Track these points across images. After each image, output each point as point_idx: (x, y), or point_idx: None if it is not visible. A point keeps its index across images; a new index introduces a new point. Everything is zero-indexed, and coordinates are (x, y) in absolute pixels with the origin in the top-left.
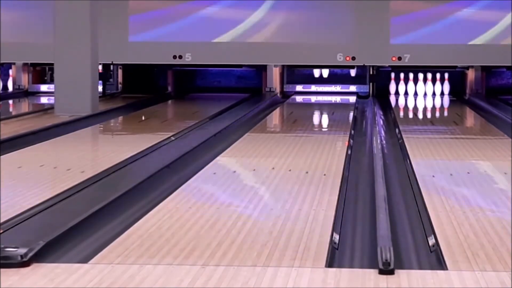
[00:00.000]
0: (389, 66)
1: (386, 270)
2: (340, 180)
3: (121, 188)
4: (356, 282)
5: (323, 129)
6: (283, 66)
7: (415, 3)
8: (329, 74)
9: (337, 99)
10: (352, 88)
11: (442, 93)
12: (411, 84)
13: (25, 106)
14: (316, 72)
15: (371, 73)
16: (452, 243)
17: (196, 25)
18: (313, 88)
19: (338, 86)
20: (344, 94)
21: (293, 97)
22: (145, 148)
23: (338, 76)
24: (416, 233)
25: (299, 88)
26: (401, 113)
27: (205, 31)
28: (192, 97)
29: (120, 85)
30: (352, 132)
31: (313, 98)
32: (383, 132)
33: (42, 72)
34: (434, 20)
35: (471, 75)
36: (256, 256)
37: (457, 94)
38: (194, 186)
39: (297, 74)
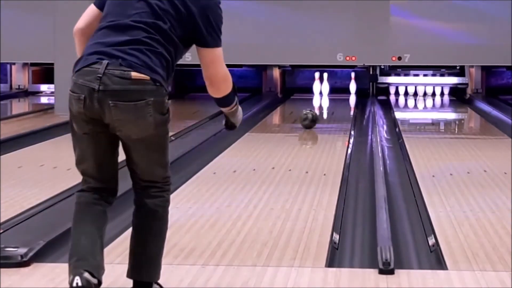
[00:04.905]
0: (389, 66)
1: (386, 270)
2: (340, 180)
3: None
4: (356, 282)
5: (323, 129)
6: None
7: (415, 3)
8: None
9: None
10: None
11: (442, 93)
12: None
13: (25, 106)
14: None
15: (371, 72)
16: (452, 243)
17: None
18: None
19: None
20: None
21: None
22: None
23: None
24: (416, 233)
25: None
26: (401, 113)
27: None
28: (192, 97)
29: None
30: (352, 132)
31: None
32: (383, 132)
33: (41, 72)
34: (434, 20)
35: (471, 75)
36: (256, 256)
37: (457, 94)
38: (194, 186)
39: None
